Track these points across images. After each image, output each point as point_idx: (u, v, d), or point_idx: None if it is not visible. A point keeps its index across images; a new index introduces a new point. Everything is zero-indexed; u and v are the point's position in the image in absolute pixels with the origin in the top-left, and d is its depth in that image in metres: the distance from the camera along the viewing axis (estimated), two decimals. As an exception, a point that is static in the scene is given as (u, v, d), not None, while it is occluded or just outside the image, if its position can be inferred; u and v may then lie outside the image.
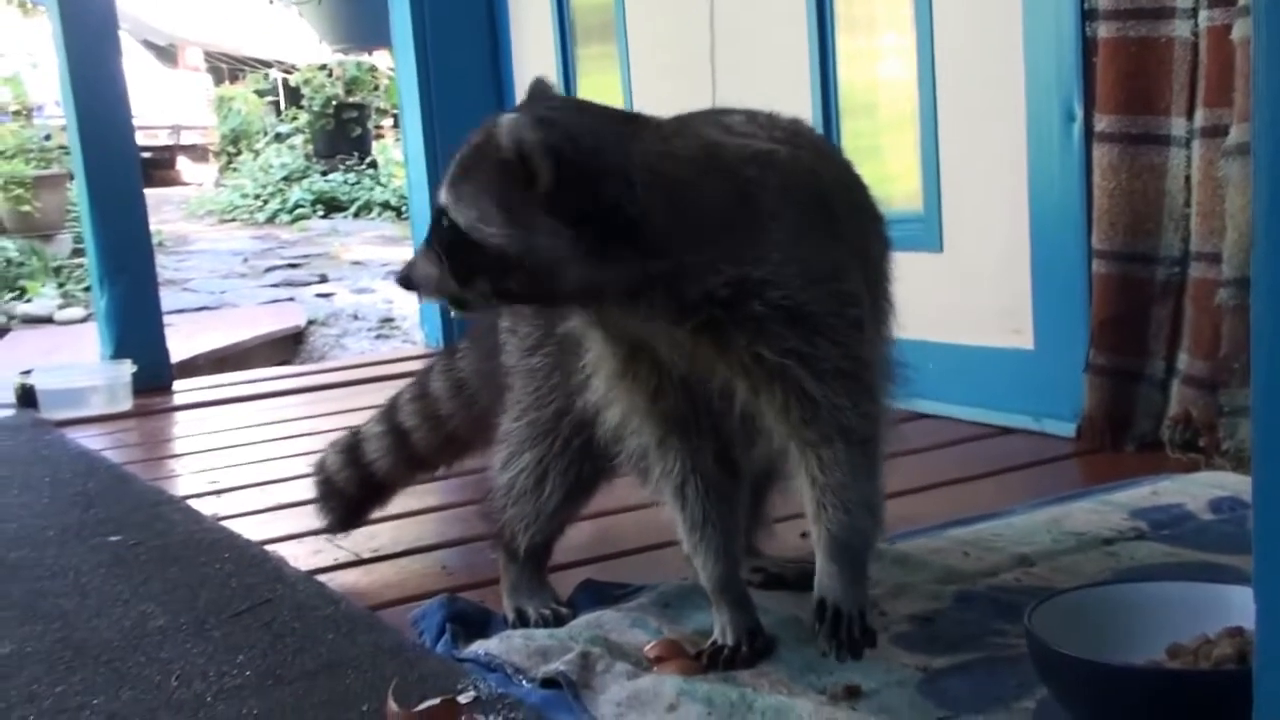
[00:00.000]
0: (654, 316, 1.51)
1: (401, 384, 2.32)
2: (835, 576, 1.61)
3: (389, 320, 7.90)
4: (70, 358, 5.69)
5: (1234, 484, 2.22)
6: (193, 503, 2.75)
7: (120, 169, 4.30)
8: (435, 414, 2.21)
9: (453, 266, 1.48)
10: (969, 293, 2.92)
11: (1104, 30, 2.56)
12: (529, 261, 1.45)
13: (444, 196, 1.50)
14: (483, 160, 1.47)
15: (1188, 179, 2.50)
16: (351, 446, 2.29)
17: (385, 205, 12.62)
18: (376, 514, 2.42)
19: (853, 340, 1.56)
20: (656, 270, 1.46)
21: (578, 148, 1.44)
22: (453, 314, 1.66)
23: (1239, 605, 1.36)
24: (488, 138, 1.47)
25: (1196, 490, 2.23)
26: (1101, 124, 2.58)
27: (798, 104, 3.21)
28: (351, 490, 2.29)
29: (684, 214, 1.47)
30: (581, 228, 1.44)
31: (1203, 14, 2.43)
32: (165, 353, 4.40)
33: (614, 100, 3.96)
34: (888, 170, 3.20)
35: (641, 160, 1.47)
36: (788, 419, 1.56)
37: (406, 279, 1.56)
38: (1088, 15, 2.60)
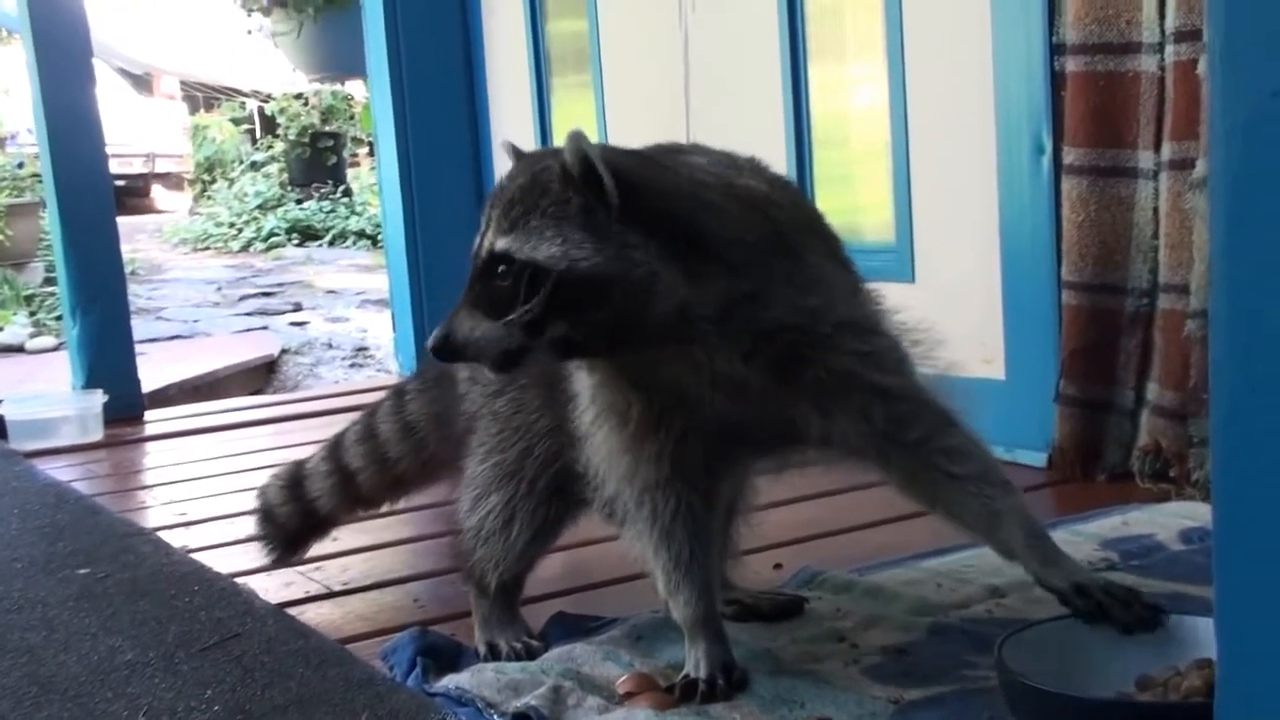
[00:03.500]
0: (728, 351, 1.52)
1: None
2: (1059, 558, 1.62)
3: (363, 349, 7.88)
4: (41, 387, 5.65)
5: (1204, 514, 2.23)
6: (163, 534, 2.73)
7: (93, 198, 4.28)
8: (383, 456, 2.21)
9: (523, 313, 1.43)
10: (941, 322, 2.92)
11: (1072, 64, 2.58)
12: (626, 281, 1.43)
13: (503, 242, 1.46)
14: (544, 194, 1.46)
15: (1155, 211, 2.52)
16: (295, 481, 2.30)
17: (360, 234, 12.60)
18: (347, 546, 2.41)
19: (899, 344, 1.65)
20: (739, 291, 1.49)
21: (628, 163, 1.48)
22: (496, 375, 1.60)
23: (1208, 637, 1.37)
24: (538, 174, 1.48)
25: (1167, 520, 2.24)
26: (1070, 156, 2.60)
27: (770, 134, 3.23)
28: (293, 525, 2.31)
29: (741, 237, 1.51)
30: (663, 239, 1.45)
31: (1169, 49, 2.46)
32: (137, 383, 4.37)
33: (589, 128, 3.98)
34: (860, 201, 3.21)
35: (684, 184, 1.51)
36: (873, 425, 1.59)
37: (449, 344, 1.47)
38: (1056, 49, 2.63)
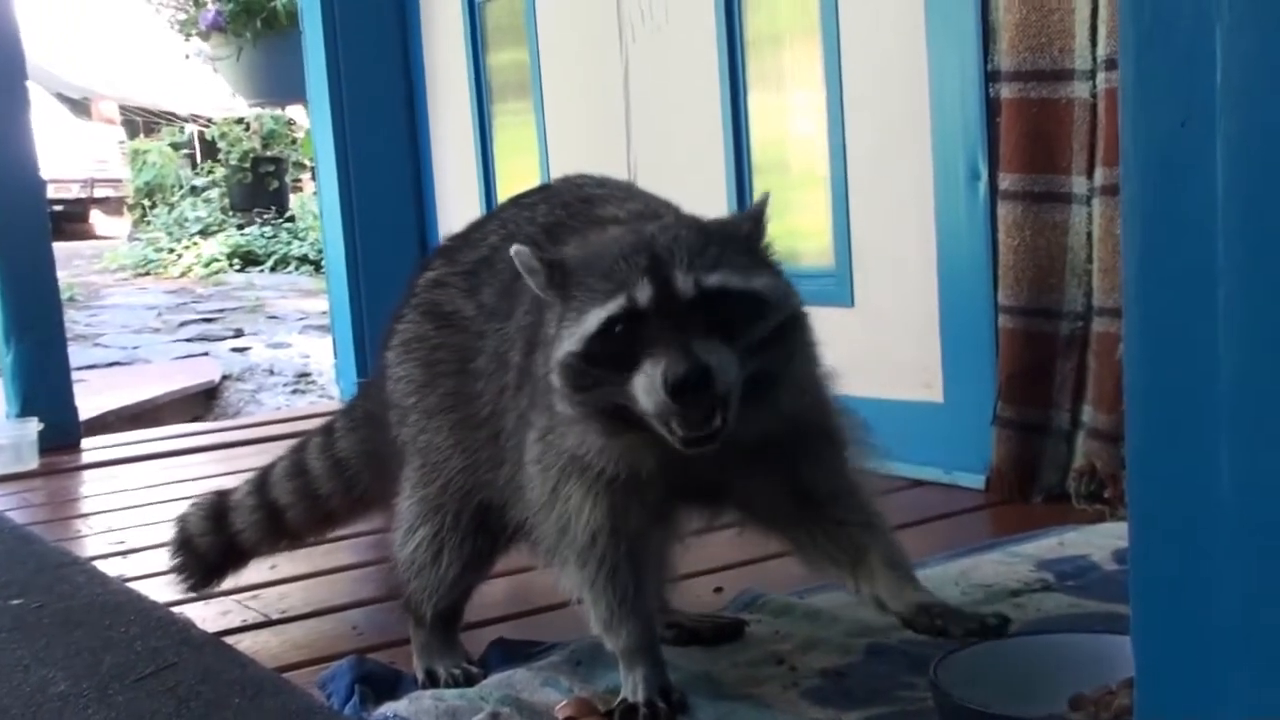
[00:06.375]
0: None
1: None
2: (915, 577, 1.68)
3: (305, 375, 7.82)
4: (-26, 416, 5.55)
5: (1137, 534, 2.26)
6: (99, 564, 2.69)
7: (28, 224, 4.24)
8: (313, 493, 2.20)
9: (752, 339, 1.50)
10: (880, 347, 2.96)
11: (1006, 91, 2.62)
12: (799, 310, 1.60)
13: (715, 278, 1.49)
14: (732, 239, 1.57)
15: (1089, 235, 2.56)
16: (219, 513, 2.27)
17: (303, 259, 12.51)
18: (285, 574, 2.39)
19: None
20: None
21: None
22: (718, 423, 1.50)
23: (1138, 656, 1.39)
24: (721, 227, 1.60)
25: (1101, 541, 2.26)
26: (1005, 182, 2.64)
27: (710, 161, 3.25)
28: (213, 557, 2.28)
29: None
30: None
31: (1100, 76, 2.50)
32: (73, 410, 4.32)
33: (530, 156, 3.99)
34: (799, 226, 3.24)
35: None
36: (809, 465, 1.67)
37: (701, 373, 1.41)
38: (990, 77, 2.67)
